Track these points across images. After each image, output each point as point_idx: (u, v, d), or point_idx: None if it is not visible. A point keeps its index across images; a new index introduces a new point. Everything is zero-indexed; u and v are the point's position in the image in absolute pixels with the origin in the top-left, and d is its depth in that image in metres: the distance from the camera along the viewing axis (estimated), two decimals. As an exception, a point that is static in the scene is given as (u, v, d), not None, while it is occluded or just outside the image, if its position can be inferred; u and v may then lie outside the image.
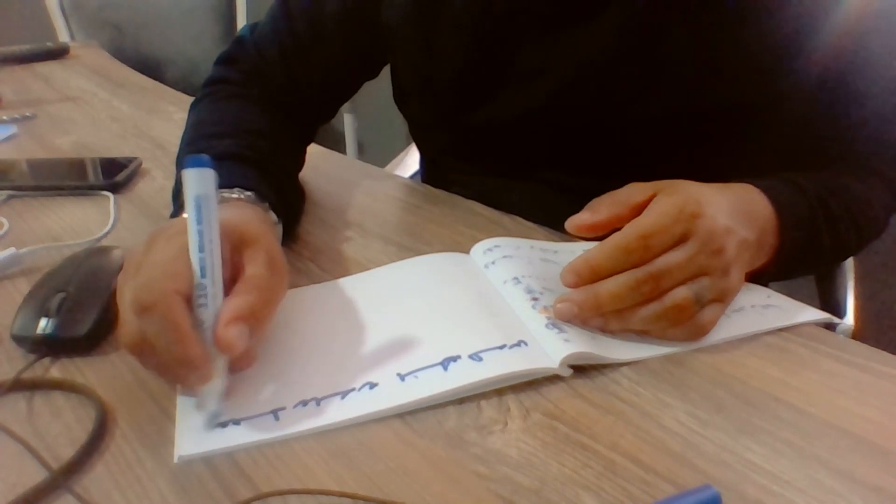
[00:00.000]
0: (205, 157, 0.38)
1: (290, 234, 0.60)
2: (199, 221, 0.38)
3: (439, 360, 0.42)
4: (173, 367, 0.37)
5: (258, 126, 0.63)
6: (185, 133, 0.65)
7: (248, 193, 0.51)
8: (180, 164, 0.61)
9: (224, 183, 0.47)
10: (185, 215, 0.39)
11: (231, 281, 0.40)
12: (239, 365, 0.41)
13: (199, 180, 0.37)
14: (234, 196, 0.50)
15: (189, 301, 0.38)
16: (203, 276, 0.38)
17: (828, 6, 0.55)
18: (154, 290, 0.36)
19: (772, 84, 0.58)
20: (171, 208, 0.57)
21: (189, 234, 0.38)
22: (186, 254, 0.38)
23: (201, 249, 0.38)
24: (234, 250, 0.41)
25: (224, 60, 0.73)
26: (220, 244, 0.39)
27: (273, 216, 0.53)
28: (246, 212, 0.47)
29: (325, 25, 0.68)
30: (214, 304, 0.38)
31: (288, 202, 0.59)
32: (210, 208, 0.38)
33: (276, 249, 0.44)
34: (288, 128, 0.67)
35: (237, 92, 0.69)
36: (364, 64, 0.73)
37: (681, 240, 0.43)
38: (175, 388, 0.41)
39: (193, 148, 0.60)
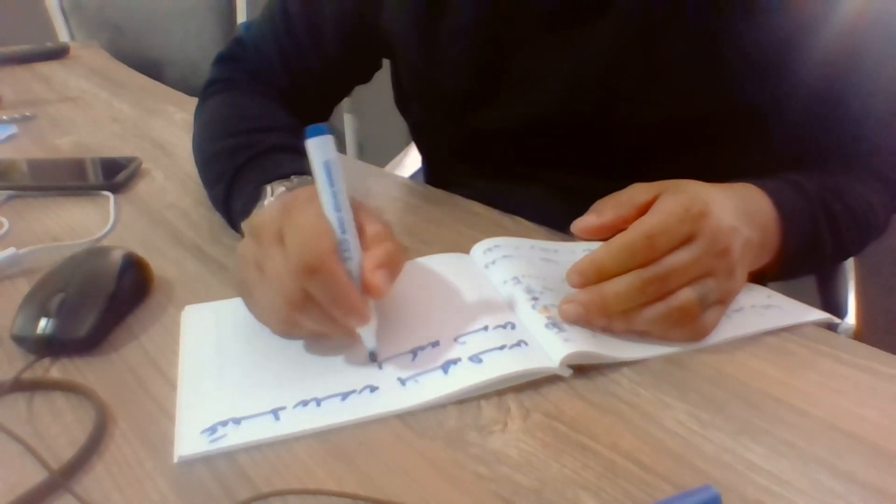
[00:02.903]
0: (322, 125, 0.41)
1: None
2: (331, 184, 0.41)
3: (440, 363, 0.42)
4: (338, 317, 0.40)
5: (287, 121, 0.65)
6: (207, 129, 0.65)
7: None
8: (218, 159, 0.61)
9: (295, 171, 0.52)
10: (275, 191, 0.46)
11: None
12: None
13: (324, 147, 0.41)
14: (310, 180, 0.51)
15: (337, 256, 0.41)
16: (343, 232, 0.41)
17: (827, 8, 0.55)
18: (314, 252, 0.39)
19: (772, 85, 0.58)
20: (232, 223, 0.57)
21: (322, 197, 0.41)
22: (324, 216, 0.41)
23: (338, 209, 0.41)
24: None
25: (225, 59, 0.73)
26: (349, 203, 0.42)
27: None
28: None
29: (323, 29, 0.68)
30: (356, 256, 0.42)
31: None
32: (337, 171, 0.41)
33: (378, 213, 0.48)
34: (301, 123, 0.68)
35: (251, 89, 0.70)
36: (358, 66, 0.73)
37: (686, 240, 0.43)
38: (175, 387, 0.42)
39: (237, 142, 0.60)
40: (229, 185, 0.58)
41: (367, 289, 0.41)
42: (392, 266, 0.42)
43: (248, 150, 0.58)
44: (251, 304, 0.45)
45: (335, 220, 0.41)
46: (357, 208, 0.45)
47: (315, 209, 0.41)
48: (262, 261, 0.41)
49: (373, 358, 0.43)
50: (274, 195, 0.51)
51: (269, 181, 0.52)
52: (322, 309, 0.40)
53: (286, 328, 0.43)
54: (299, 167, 0.53)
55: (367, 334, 0.43)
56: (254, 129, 0.62)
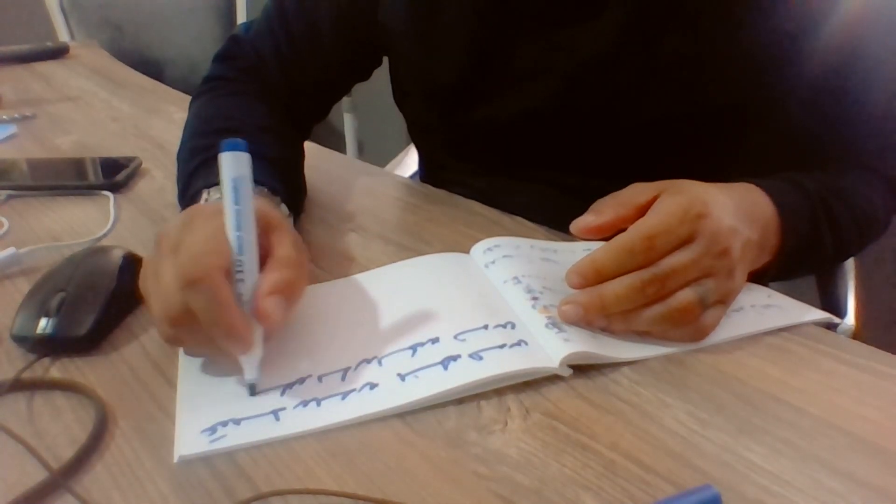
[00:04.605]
0: (240, 140, 0.40)
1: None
2: (236, 202, 0.40)
3: (439, 359, 0.42)
4: (216, 338, 0.39)
5: (263, 121, 0.64)
6: (186, 128, 0.65)
7: (261, 188, 0.52)
8: (184, 159, 0.61)
9: None
10: (211, 197, 0.42)
11: (261, 262, 0.42)
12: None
13: (236, 162, 0.40)
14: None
15: (228, 277, 0.39)
16: (241, 252, 0.40)
17: (828, 6, 0.55)
18: (199, 265, 0.38)
19: (771, 84, 0.58)
20: (180, 203, 0.57)
21: (226, 213, 0.40)
22: (224, 232, 0.40)
23: (238, 228, 0.40)
24: (262, 233, 0.43)
25: (221, 58, 0.73)
26: (254, 223, 0.41)
27: (285, 209, 0.54)
28: (264, 201, 0.49)
29: (320, 26, 0.68)
30: (251, 279, 0.40)
31: (295, 196, 0.61)
32: (246, 189, 0.40)
33: (297, 234, 0.46)
34: (288, 123, 0.67)
35: (237, 88, 0.69)
36: (357, 65, 0.73)
37: (686, 240, 0.43)
38: (175, 387, 0.42)
39: (201, 143, 0.60)
40: (184, 187, 0.58)
41: (256, 314, 0.39)
42: (288, 292, 0.40)
43: (205, 152, 0.57)
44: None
45: (234, 239, 0.40)
46: (272, 228, 0.44)
47: (216, 224, 0.40)
48: (157, 271, 0.40)
49: (251, 391, 0.41)
50: (210, 201, 0.50)
51: (210, 186, 0.52)
52: (203, 328, 0.38)
53: (171, 343, 0.42)
54: None
55: (248, 363, 0.40)
56: (221, 130, 0.60)
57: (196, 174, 0.56)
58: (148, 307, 0.42)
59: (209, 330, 0.38)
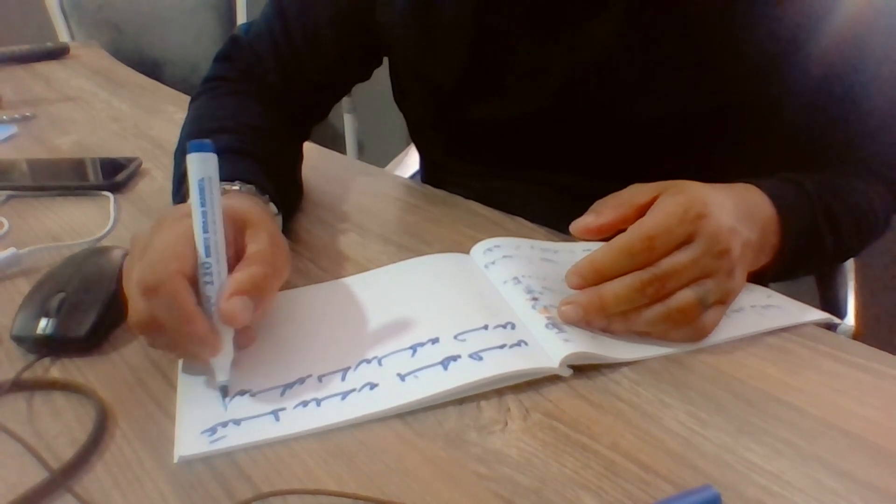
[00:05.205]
0: (207, 141, 0.39)
1: (288, 229, 0.61)
2: (202, 203, 0.39)
3: (439, 359, 0.42)
4: (183, 343, 0.39)
5: (257, 122, 0.64)
6: (183, 128, 0.65)
7: (249, 186, 0.52)
8: (178, 158, 0.61)
9: (225, 176, 0.48)
10: (189, 199, 0.40)
11: (235, 262, 0.42)
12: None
13: (202, 164, 0.39)
14: (235, 188, 0.51)
15: (193, 280, 0.39)
16: (208, 254, 0.39)
17: (829, 7, 0.55)
18: (158, 271, 0.38)
19: (771, 83, 0.58)
20: (173, 200, 0.57)
21: (193, 215, 0.40)
22: (191, 235, 0.40)
23: (205, 230, 0.39)
24: (237, 233, 0.43)
25: (220, 58, 0.73)
26: (223, 224, 0.40)
27: (273, 208, 0.54)
28: (246, 200, 0.48)
29: (318, 26, 0.68)
30: (220, 282, 0.40)
31: (287, 195, 0.60)
32: (213, 190, 0.39)
33: (277, 230, 0.45)
34: (284, 124, 0.67)
35: (235, 89, 0.69)
36: (356, 65, 0.73)
37: (686, 241, 0.43)
38: (175, 387, 0.42)
39: None
40: (177, 187, 0.58)
41: (220, 316, 0.39)
42: (256, 292, 0.40)
43: None
44: None
45: (201, 241, 0.39)
46: (247, 226, 0.43)
47: (183, 227, 0.40)
48: (129, 276, 0.41)
49: (223, 393, 0.40)
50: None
51: None
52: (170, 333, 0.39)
53: (152, 346, 0.42)
54: (233, 172, 0.51)
55: (219, 366, 0.40)
56: (213, 130, 0.60)
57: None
58: None
59: (174, 335, 0.38)
